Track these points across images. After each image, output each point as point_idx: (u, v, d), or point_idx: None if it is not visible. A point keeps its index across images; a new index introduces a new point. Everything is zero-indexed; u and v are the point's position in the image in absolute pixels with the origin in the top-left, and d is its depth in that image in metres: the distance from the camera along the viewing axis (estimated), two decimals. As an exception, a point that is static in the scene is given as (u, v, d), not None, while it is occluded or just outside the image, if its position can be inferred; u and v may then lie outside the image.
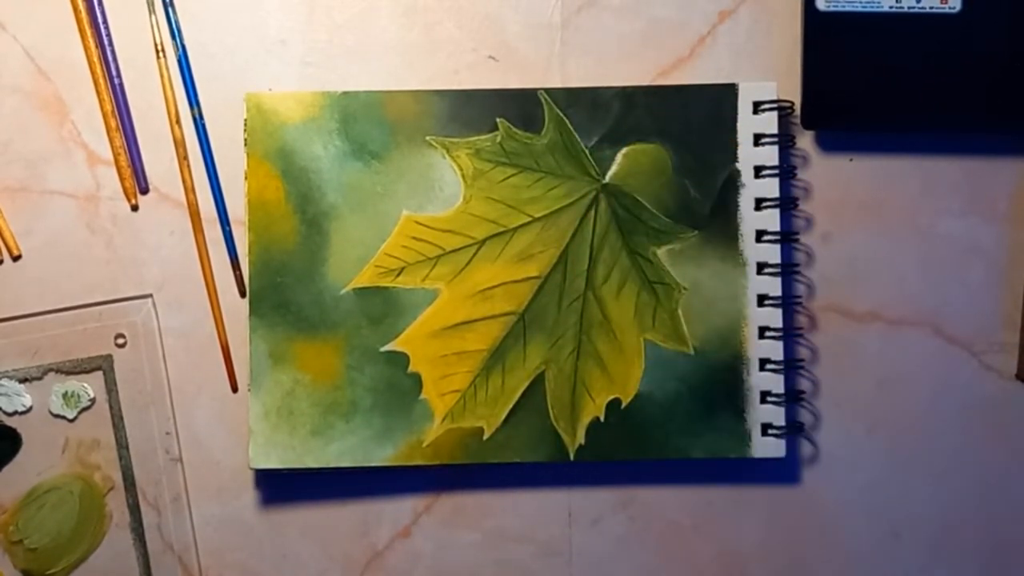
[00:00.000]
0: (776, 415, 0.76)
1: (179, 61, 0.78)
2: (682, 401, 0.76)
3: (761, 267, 0.76)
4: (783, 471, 0.78)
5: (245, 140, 0.76)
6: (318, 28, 0.78)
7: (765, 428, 0.76)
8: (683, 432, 0.76)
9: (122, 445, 0.77)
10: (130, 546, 0.77)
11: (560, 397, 0.76)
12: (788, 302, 0.77)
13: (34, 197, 0.77)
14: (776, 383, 0.76)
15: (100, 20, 0.77)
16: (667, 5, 0.79)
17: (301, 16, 0.78)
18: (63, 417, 0.77)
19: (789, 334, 0.77)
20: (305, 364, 0.75)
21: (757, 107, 0.77)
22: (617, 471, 0.78)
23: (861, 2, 0.76)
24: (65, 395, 0.77)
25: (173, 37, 0.78)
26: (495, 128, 0.76)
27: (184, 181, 0.77)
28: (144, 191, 0.78)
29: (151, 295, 0.77)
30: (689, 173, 0.76)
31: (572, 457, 0.76)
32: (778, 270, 0.76)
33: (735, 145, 0.77)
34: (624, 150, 0.76)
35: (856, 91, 0.77)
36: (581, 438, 0.76)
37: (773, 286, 0.76)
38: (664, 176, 0.76)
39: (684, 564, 0.79)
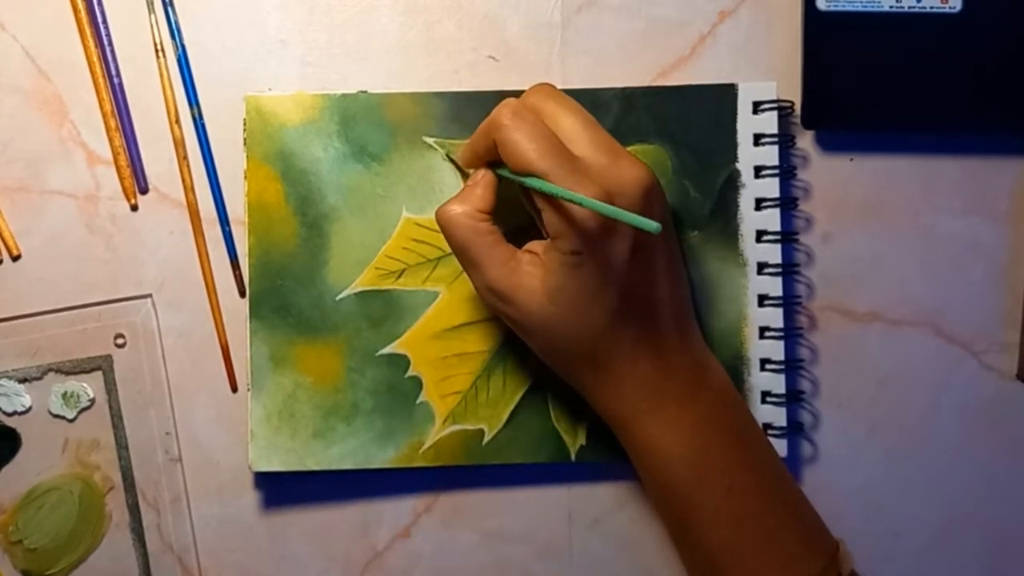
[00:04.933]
0: (777, 415, 0.76)
1: (179, 61, 0.77)
2: (683, 402, 0.76)
3: (761, 267, 0.76)
4: (783, 471, 0.78)
5: (245, 141, 0.76)
6: (318, 28, 0.78)
7: (766, 428, 0.76)
8: (684, 433, 0.76)
9: (122, 445, 0.77)
10: (130, 546, 0.77)
11: (561, 398, 0.76)
12: (788, 302, 0.77)
13: (34, 197, 0.77)
14: (777, 383, 0.76)
15: (100, 20, 0.77)
16: (667, 5, 0.79)
17: (301, 16, 0.78)
18: (63, 417, 0.77)
19: (789, 334, 0.77)
20: (306, 367, 0.75)
21: (757, 107, 0.77)
22: (617, 471, 0.78)
23: (861, 2, 0.76)
24: (65, 395, 0.77)
25: (173, 37, 0.77)
26: (495, 129, 0.76)
27: (184, 181, 0.77)
28: (144, 191, 0.78)
29: (151, 295, 0.77)
30: (689, 173, 0.76)
31: (573, 458, 0.76)
32: (778, 270, 0.76)
33: (735, 145, 0.77)
34: (624, 151, 0.76)
35: (856, 91, 0.77)
36: (582, 439, 0.76)
37: (773, 286, 0.76)
38: (664, 176, 0.76)
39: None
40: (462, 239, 0.68)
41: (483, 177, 0.69)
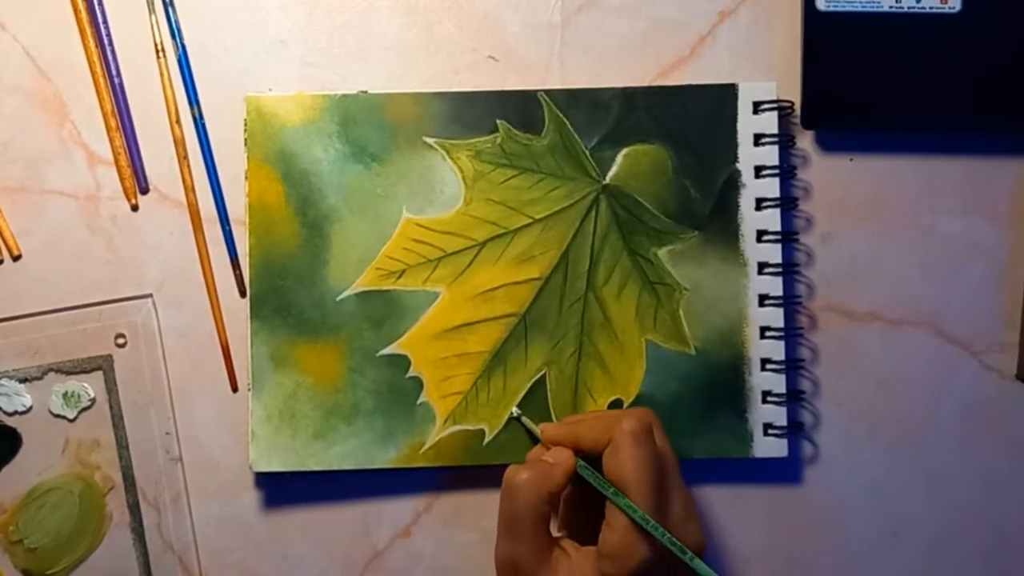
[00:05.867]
0: (777, 415, 0.76)
1: (179, 61, 0.77)
2: (684, 401, 0.76)
3: (762, 267, 0.76)
4: (784, 471, 0.78)
5: (245, 141, 0.76)
6: (318, 28, 0.78)
7: (766, 428, 0.76)
8: (685, 432, 0.76)
9: (122, 445, 0.77)
10: (130, 546, 0.77)
11: (562, 398, 0.76)
12: (789, 302, 0.77)
13: (34, 197, 0.77)
14: (777, 383, 0.76)
15: (100, 20, 0.77)
16: (667, 5, 0.79)
17: (301, 16, 0.78)
18: (63, 417, 0.77)
19: (790, 334, 0.77)
20: (307, 367, 0.75)
21: (757, 107, 0.77)
22: (617, 471, 0.78)
23: (861, 2, 0.76)
24: (65, 395, 0.77)
25: (173, 37, 0.77)
26: (495, 130, 0.76)
27: (184, 181, 0.77)
28: (144, 191, 0.78)
29: (151, 295, 0.77)
30: (689, 173, 0.76)
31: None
32: (779, 270, 0.76)
33: (735, 145, 0.77)
34: (624, 151, 0.76)
35: (856, 91, 0.77)
36: (583, 439, 0.76)
37: (774, 286, 0.76)
38: (664, 177, 0.76)
39: (684, 564, 0.79)
40: (522, 511, 0.68)
41: (565, 462, 0.70)
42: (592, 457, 0.69)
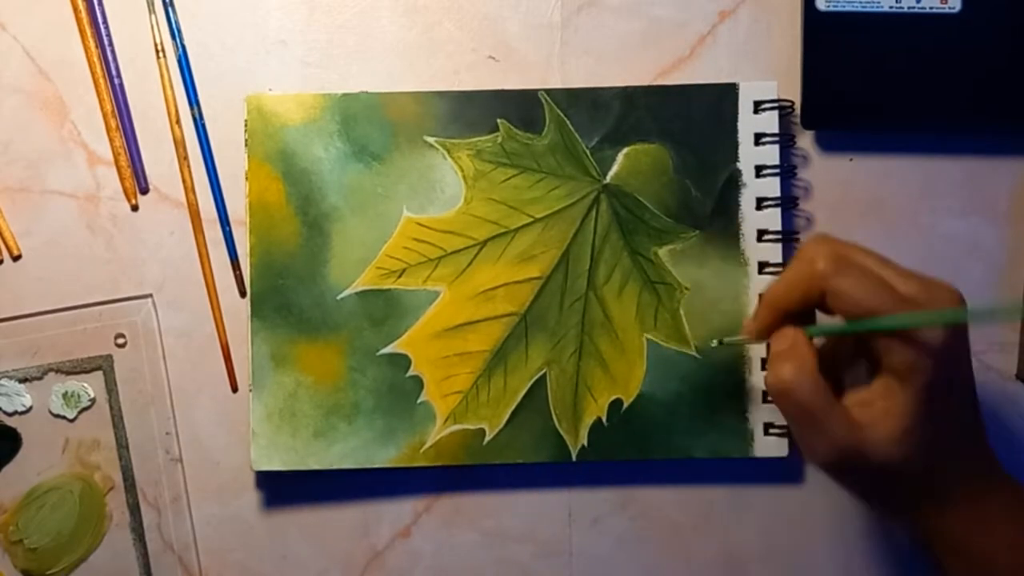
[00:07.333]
0: (778, 415, 0.76)
1: (179, 61, 0.77)
2: (684, 401, 0.76)
3: (762, 266, 0.76)
4: (785, 471, 0.78)
5: (246, 141, 0.76)
6: (318, 28, 0.78)
7: (767, 427, 0.76)
8: (685, 432, 0.76)
9: (122, 445, 0.77)
10: (130, 546, 0.77)
11: (562, 398, 0.76)
12: (789, 302, 0.77)
13: (34, 197, 0.77)
14: (778, 383, 0.76)
15: (100, 20, 0.77)
16: (667, 5, 0.79)
17: (301, 16, 0.78)
18: (63, 417, 0.77)
19: (790, 334, 0.77)
20: (307, 366, 0.75)
21: (758, 107, 0.77)
22: (617, 470, 0.78)
23: (861, 2, 0.76)
24: (65, 395, 0.77)
25: (173, 37, 0.77)
26: (496, 129, 0.76)
27: (184, 181, 0.77)
28: (144, 191, 0.78)
29: (151, 295, 0.77)
30: (690, 173, 0.76)
31: (574, 458, 0.76)
32: (779, 269, 0.76)
33: (736, 145, 0.77)
34: (625, 150, 0.76)
35: (856, 91, 0.77)
36: (583, 439, 0.76)
37: (774, 286, 0.76)
38: (665, 176, 0.76)
39: (684, 564, 0.79)
40: (806, 402, 0.63)
41: (797, 334, 0.65)
42: (807, 314, 0.67)
